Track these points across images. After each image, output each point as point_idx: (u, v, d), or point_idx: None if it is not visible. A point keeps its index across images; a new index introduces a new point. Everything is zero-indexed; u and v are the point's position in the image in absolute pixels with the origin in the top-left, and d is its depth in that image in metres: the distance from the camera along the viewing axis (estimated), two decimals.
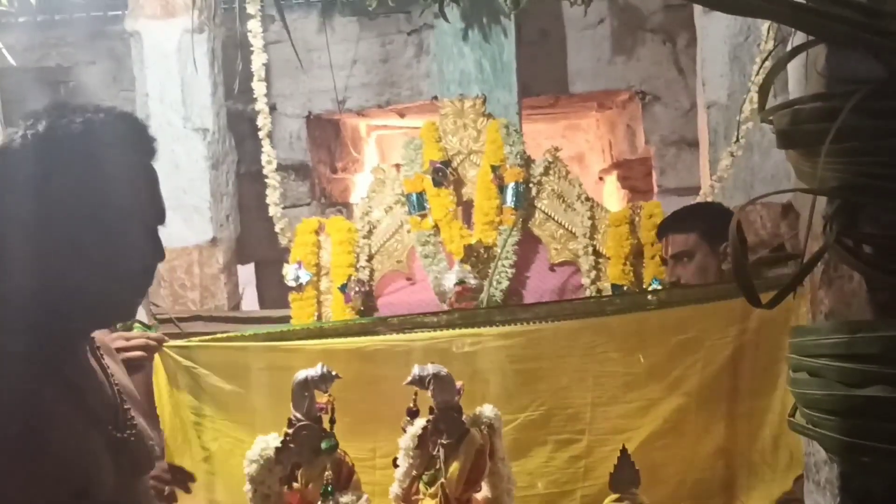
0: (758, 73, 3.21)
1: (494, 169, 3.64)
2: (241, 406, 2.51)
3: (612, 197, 5.80)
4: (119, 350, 2.45)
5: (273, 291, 4.71)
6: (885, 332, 1.56)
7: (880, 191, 1.55)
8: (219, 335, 2.65)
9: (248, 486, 2.24)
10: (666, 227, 3.22)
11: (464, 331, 2.54)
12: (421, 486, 2.24)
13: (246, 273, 4.85)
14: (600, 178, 6.40)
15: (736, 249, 1.69)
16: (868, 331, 1.58)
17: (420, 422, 2.28)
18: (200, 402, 2.53)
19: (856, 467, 1.64)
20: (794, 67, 1.83)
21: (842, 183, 1.59)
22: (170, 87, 3.99)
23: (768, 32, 3.18)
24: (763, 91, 1.79)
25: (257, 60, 3.91)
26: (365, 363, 2.51)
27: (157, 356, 2.49)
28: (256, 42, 3.92)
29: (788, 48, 1.75)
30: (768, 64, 1.87)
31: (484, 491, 2.29)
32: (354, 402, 2.46)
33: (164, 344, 2.50)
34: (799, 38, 1.72)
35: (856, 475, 1.65)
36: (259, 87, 3.89)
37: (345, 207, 5.01)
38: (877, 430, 1.53)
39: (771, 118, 1.73)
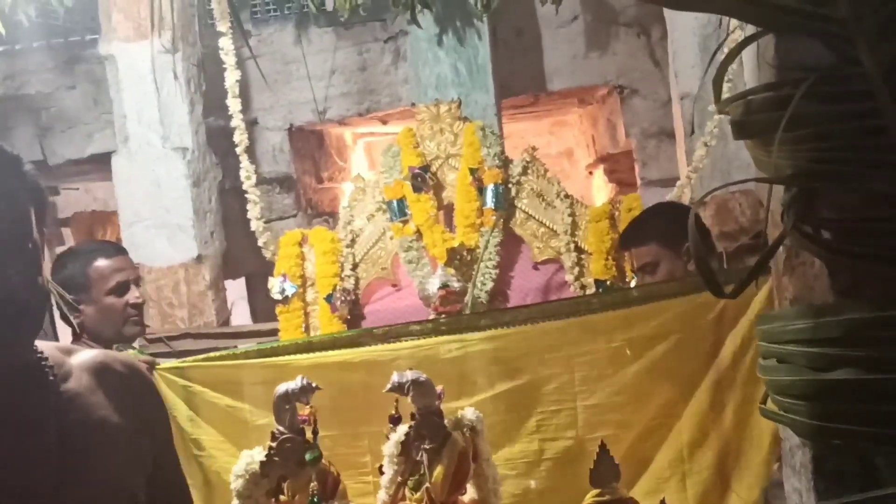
0: (711, 60, 3.22)
1: (473, 171, 3.66)
2: (236, 421, 2.55)
3: (601, 191, 5.82)
4: None
5: (265, 304, 4.71)
6: (848, 315, 1.57)
7: (834, 176, 1.56)
8: (211, 354, 2.72)
9: (235, 502, 2.27)
10: (626, 241, 3.21)
11: (448, 337, 2.57)
12: (407, 492, 2.26)
13: (238, 287, 4.87)
14: (590, 173, 6.43)
15: (696, 242, 1.70)
16: (831, 314, 1.60)
17: (403, 428, 2.30)
18: (197, 420, 2.57)
19: (828, 450, 1.66)
20: (748, 58, 1.84)
21: (797, 170, 1.61)
22: (147, 108, 4.00)
23: (728, 23, 3.20)
24: (717, 82, 1.81)
25: (231, 77, 3.92)
26: (353, 374, 2.56)
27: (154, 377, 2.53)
28: (229, 59, 3.93)
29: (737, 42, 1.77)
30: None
31: (470, 493, 2.32)
32: (346, 412, 2.50)
33: (157, 366, 2.55)
34: (750, 28, 1.74)
35: (828, 458, 1.67)
36: (234, 104, 3.91)
37: (331, 217, 5.03)
38: (846, 412, 1.55)
39: (727, 109, 1.75)
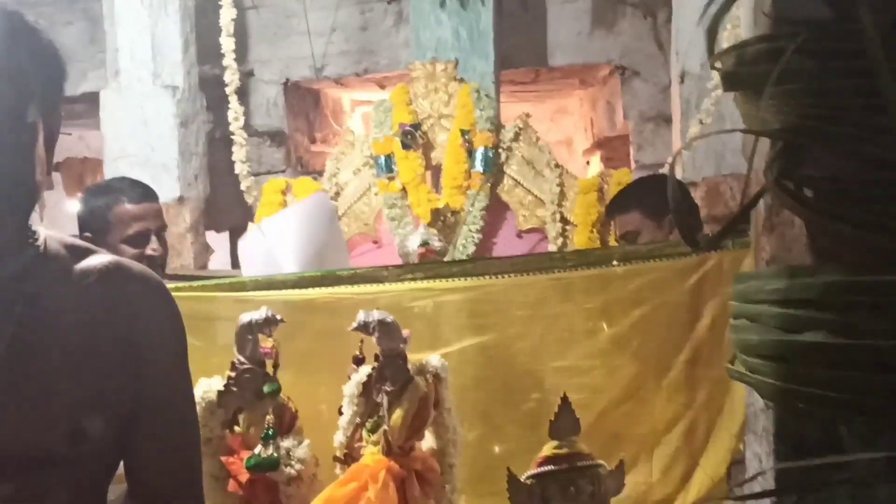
0: (703, 14, 3.17)
1: (464, 133, 3.62)
2: (192, 357, 2.47)
3: None
4: None
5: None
6: (824, 278, 1.54)
7: (822, 133, 1.53)
8: (170, 286, 2.61)
9: None
10: (612, 209, 3.20)
11: (416, 284, 2.49)
12: (364, 434, 2.22)
13: (221, 241, 4.83)
14: (588, 163, 6.40)
15: (674, 190, 1.67)
16: (807, 276, 1.56)
17: (365, 369, 2.25)
18: None
19: (790, 414, 1.63)
20: (744, 11, 1.81)
21: (784, 125, 1.57)
22: (140, 44, 3.95)
23: None
24: (711, 35, 1.76)
25: (226, 16, 3.87)
26: (315, 316, 2.47)
27: None
28: None
29: None
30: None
31: (429, 441, 2.27)
32: (305, 356, 2.44)
33: None
34: None
35: (790, 422, 1.64)
36: (227, 43, 3.86)
37: (321, 175, 4.98)
38: (812, 376, 1.52)
39: (719, 63, 1.72)
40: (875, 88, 1.46)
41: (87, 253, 1.38)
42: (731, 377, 1.73)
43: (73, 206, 6.37)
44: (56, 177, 6.44)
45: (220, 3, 3.91)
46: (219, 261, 4.77)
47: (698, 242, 1.71)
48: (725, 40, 3.15)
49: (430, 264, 2.73)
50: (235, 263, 4.78)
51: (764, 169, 1.66)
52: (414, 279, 2.49)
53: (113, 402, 1.34)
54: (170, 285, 2.53)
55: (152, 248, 2.97)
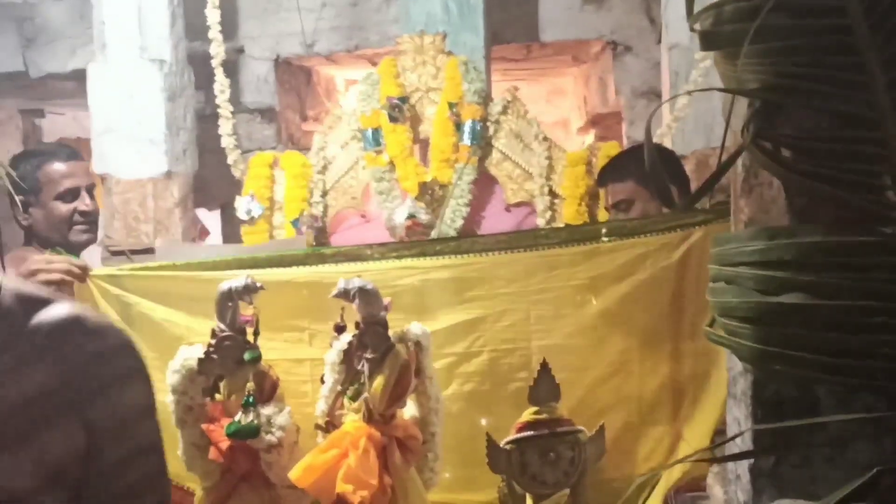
0: None
1: (452, 106, 3.60)
2: (170, 338, 2.43)
3: None
4: (37, 272, 2.44)
5: (238, 235, 4.68)
6: (802, 239, 1.54)
7: (800, 91, 1.52)
8: (150, 264, 2.60)
9: (170, 397, 2.21)
10: (605, 177, 3.16)
11: (399, 262, 2.48)
12: (345, 401, 2.22)
13: (213, 219, 4.81)
14: (584, 143, 6.38)
15: (650, 151, 1.66)
16: (785, 237, 1.56)
17: (346, 337, 2.25)
18: (131, 331, 2.48)
19: (768, 375, 1.63)
20: None
21: (762, 84, 1.56)
22: (126, 16, 3.91)
23: None
24: None
25: None
26: (298, 294, 2.45)
27: (87, 284, 2.45)
28: None
29: None
30: None
31: (411, 409, 2.27)
32: (290, 333, 2.44)
33: (92, 272, 2.47)
34: None
35: (768, 383, 1.64)
36: (213, 15, 3.83)
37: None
38: (790, 337, 1.51)
39: (698, 24, 1.70)
40: (852, 46, 1.45)
41: (43, 304, 1.28)
42: (709, 340, 1.73)
43: None
44: None
45: None
46: (211, 239, 4.75)
47: (675, 202, 1.70)
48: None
49: (415, 243, 2.71)
50: (227, 240, 4.78)
51: (741, 129, 1.66)
52: (399, 257, 2.48)
53: (63, 471, 1.24)
54: (153, 264, 2.57)
55: (85, 202, 3.14)
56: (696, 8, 1.79)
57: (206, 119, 4.48)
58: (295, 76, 5.05)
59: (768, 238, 1.57)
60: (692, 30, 1.75)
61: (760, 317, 1.56)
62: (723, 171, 1.67)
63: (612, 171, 3.11)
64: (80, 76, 4.68)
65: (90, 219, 3.17)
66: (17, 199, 2.80)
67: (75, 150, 3.28)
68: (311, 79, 5.27)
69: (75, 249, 3.10)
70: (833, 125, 1.52)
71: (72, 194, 3.11)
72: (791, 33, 1.50)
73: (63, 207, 3.10)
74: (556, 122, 7.39)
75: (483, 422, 2.50)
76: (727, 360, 1.85)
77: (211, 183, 4.49)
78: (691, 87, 3.38)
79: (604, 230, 2.51)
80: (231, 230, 4.69)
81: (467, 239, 2.72)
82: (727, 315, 1.64)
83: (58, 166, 3.11)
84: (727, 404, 1.87)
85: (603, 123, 5.46)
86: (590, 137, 5.98)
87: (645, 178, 2.95)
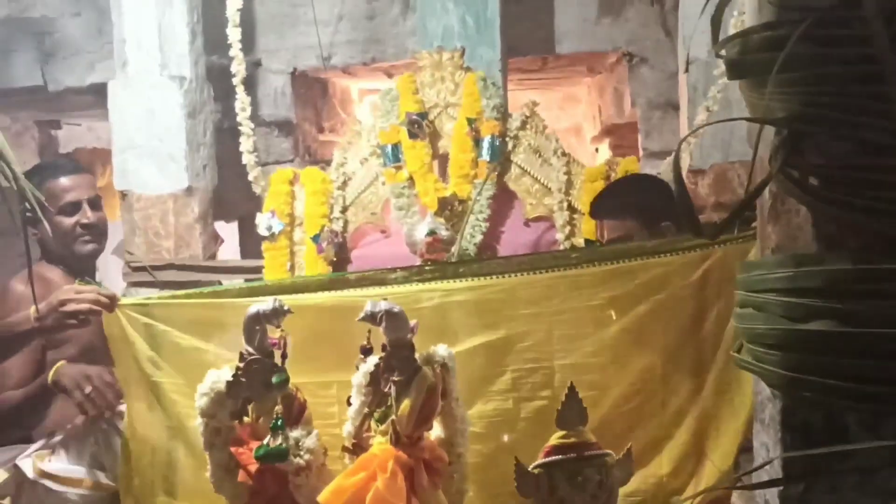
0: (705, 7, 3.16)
1: (470, 122, 3.62)
2: (199, 364, 2.46)
3: None
4: (66, 302, 2.48)
5: (256, 247, 4.70)
6: (829, 266, 1.55)
7: (827, 120, 1.53)
8: (177, 293, 2.67)
9: (198, 420, 2.24)
10: (599, 212, 3.15)
11: (423, 286, 2.51)
12: (372, 424, 2.24)
13: (230, 231, 4.84)
14: (596, 150, 6.39)
15: (679, 181, 1.68)
16: (812, 264, 1.57)
17: (373, 359, 2.27)
18: (159, 361, 2.50)
19: (797, 402, 1.64)
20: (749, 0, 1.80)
21: (789, 113, 1.57)
22: (147, 34, 3.95)
23: None
24: (715, 22, 1.77)
25: (232, 6, 3.87)
26: (325, 319, 2.49)
27: (115, 313, 2.48)
28: None
29: None
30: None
31: (437, 431, 2.29)
32: (315, 359, 2.45)
33: (120, 301, 2.50)
34: None
35: (796, 410, 1.65)
36: (234, 33, 3.86)
37: (328, 165, 4.98)
38: (818, 364, 1.52)
39: (724, 51, 1.72)
40: (879, 75, 1.46)
41: None
42: (737, 366, 1.75)
43: None
44: None
45: None
46: (228, 250, 4.78)
47: (704, 231, 1.71)
48: (733, 27, 3.16)
49: (438, 266, 2.73)
50: (245, 253, 4.81)
51: (769, 157, 1.67)
52: (422, 280, 2.50)
53: None
54: (180, 292, 2.60)
55: (86, 216, 3.23)
56: (711, 27, 1.82)
57: (224, 132, 4.50)
58: (311, 88, 5.07)
59: (796, 265, 1.58)
60: (718, 56, 1.77)
61: (789, 344, 1.57)
62: (751, 201, 1.69)
63: (607, 206, 3.10)
64: (98, 90, 4.72)
65: (94, 230, 3.26)
66: (26, 214, 2.88)
67: (77, 163, 3.44)
68: (328, 90, 5.28)
69: (82, 260, 3.23)
70: (860, 153, 1.53)
71: (73, 207, 3.22)
72: (817, 63, 1.51)
73: (66, 221, 3.21)
74: (568, 129, 7.39)
75: (505, 437, 2.52)
76: (754, 385, 1.87)
77: (228, 195, 4.51)
78: (710, 102, 3.39)
79: (623, 251, 2.52)
80: (249, 243, 4.72)
81: (489, 261, 2.74)
82: (755, 341, 1.65)
83: (60, 181, 3.22)
84: (754, 429, 1.88)
85: (618, 133, 5.47)
86: (604, 146, 5.99)
87: (644, 215, 2.94)
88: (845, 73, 1.51)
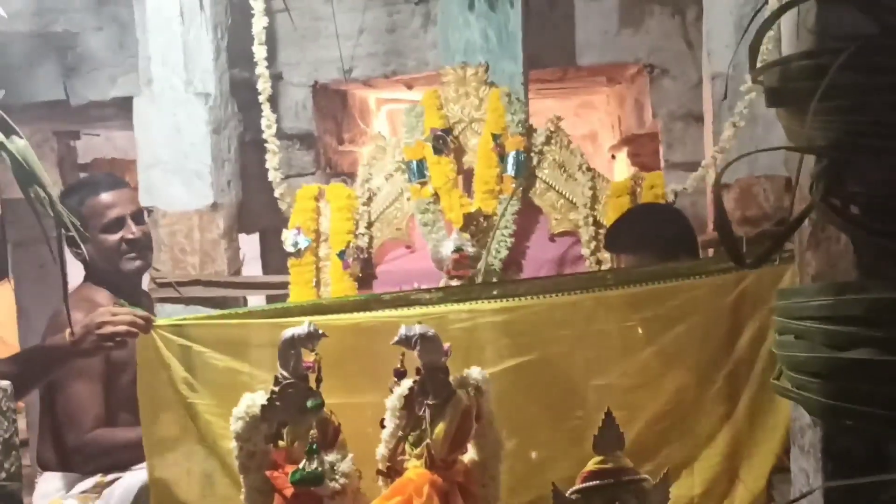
0: (746, 31, 3.17)
1: (495, 137, 3.62)
2: (235, 385, 2.47)
3: (623, 174, 5.77)
4: (103, 325, 2.48)
5: (278, 260, 4.70)
6: (871, 294, 1.54)
7: (868, 149, 1.53)
8: (213, 313, 2.68)
9: (234, 444, 2.25)
10: (615, 246, 3.15)
11: (458, 306, 2.52)
12: (407, 447, 2.24)
13: (251, 245, 4.85)
14: (612, 157, 6.39)
15: (720, 208, 1.68)
16: (853, 292, 1.56)
17: (407, 382, 2.27)
18: (193, 383, 2.50)
19: (838, 430, 1.63)
20: (786, 26, 1.80)
21: (829, 141, 1.57)
22: (172, 51, 3.97)
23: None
24: (753, 50, 1.77)
25: (258, 24, 3.88)
26: (360, 339, 2.50)
27: (150, 334, 2.48)
28: (257, 5, 3.89)
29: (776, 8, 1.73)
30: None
31: (471, 453, 2.29)
32: (350, 378, 2.46)
33: (156, 322, 2.50)
34: None
35: (838, 438, 1.64)
36: (259, 51, 3.87)
37: (350, 178, 4.99)
38: (860, 392, 1.52)
39: (762, 78, 1.71)
40: None
41: None
42: (777, 393, 1.74)
43: None
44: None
45: (252, 11, 3.92)
46: (248, 260, 4.78)
47: (746, 260, 1.71)
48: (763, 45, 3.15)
49: (472, 287, 2.76)
50: (266, 266, 4.82)
51: (809, 186, 1.66)
52: (457, 301, 2.51)
53: None
54: (215, 313, 2.60)
55: (130, 231, 3.14)
56: (749, 54, 1.82)
57: (246, 145, 4.52)
58: (331, 100, 5.07)
59: (837, 293, 1.58)
60: (755, 81, 1.76)
61: (830, 372, 1.56)
62: (793, 230, 1.69)
63: (623, 241, 3.10)
64: (120, 104, 4.74)
65: (139, 245, 3.18)
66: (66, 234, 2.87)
67: (117, 177, 3.35)
68: (347, 102, 5.29)
69: (128, 278, 3.15)
70: None
71: (117, 224, 3.13)
72: (858, 91, 1.51)
73: (110, 239, 3.12)
74: (584, 136, 7.39)
75: (532, 454, 2.53)
76: (792, 411, 1.86)
77: (249, 207, 4.53)
78: (736, 118, 3.39)
79: (657, 273, 2.52)
80: (272, 257, 4.74)
81: (523, 282, 2.75)
82: (795, 369, 1.65)
83: (101, 197, 3.14)
84: (792, 453, 1.88)
85: (636, 142, 5.46)
86: (621, 155, 5.99)
87: (660, 247, 2.92)
88: (886, 101, 1.51)
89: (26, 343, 5.80)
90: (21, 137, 2.14)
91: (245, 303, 4.33)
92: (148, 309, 2.82)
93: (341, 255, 3.63)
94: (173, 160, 3.94)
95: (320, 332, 2.24)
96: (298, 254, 3.66)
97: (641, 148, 5.46)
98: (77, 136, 6.63)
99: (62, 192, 3.23)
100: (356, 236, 3.68)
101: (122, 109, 4.81)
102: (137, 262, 3.18)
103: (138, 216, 3.24)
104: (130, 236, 3.14)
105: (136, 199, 3.30)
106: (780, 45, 1.91)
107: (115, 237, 3.12)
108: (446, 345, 2.26)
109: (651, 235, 3.01)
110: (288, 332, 2.23)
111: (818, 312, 1.60)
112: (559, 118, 3.74)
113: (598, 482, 2.02)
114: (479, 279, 3.48)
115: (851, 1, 1.55)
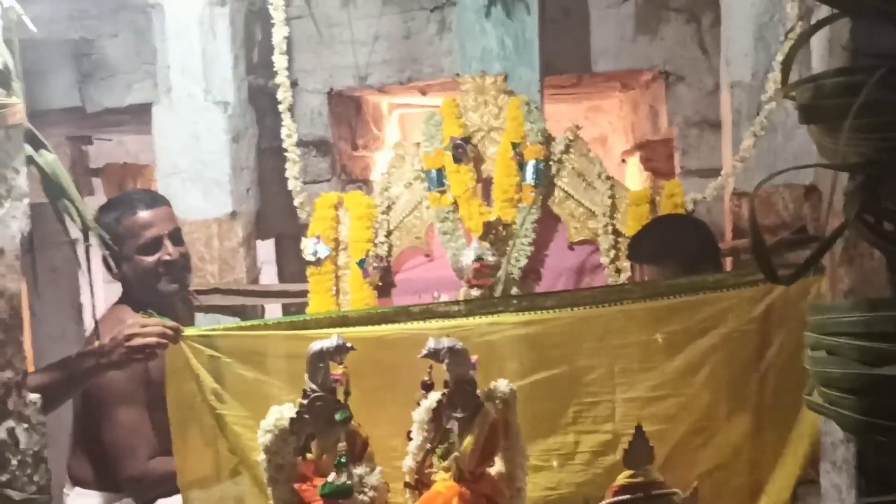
0: (782, 51, 3.17)
1: (514, 146, 3.63)
2: (263, 396, 2.46)
3: (634, 179, 5.77)
4: (132, 336, 2.47)
5: (293, 266, 4.73)
6: None
7: None
8: (242, 324, 2.66)
9: (262, 456, 2.25)
10: (640, 256, 3.13)
11: (486, 319, 2.51)
12: (434, 460, 2.25)
13: (265, 249, 4.87)
14: (622, 161, 6.38)
15: (755, 225, 1.68)
16: (888, 309, 1.57)
17: (435, 395, 2.28)
18: (222, 394, 2.48)
19: (872, 446, 1.63)
20: (817, 42, 1.81)
21: (864, 158, 1.58)
22: (191, 60, 3.99)
23: (796, 10, 3.15)
24: (786, 66, 1.78)
25: (278, 33, 3.89)
26: (387, 352, 2.49)
27: (179, 345, 2.47)
28: (278, 15, 3.90)
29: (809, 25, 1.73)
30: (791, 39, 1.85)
31: (497, 466, 2.30)
32: (376, 391, 2.46)
33: (185, 332, 2.48)
34: (823, 12, 1.70)
35: (872, 454, 1.65)
36: (280, 61, 3.88)
37: (365, 184, 5.01)
38: (894, 409, 1.52)
39: (793, 94, 1.72)
40: None
41: None
42: (809, 409, 1.74)
43: None
44: (97, 182, 6.53)
45: (271, 20, 3.93)
46: (263, 266, 4.79)
47: (779, 276, 1.71)
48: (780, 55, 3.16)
49: (498, 299, 2.75)
50: (282, 272, 4.84)
51: (843, 203, 1.67)
52: (483, 314, 2.51)
53: None
54: (245, 323, 2.60)
55: (167, 252, 3.03)
56: (781, 69, 1.82)
57: (262, 153, 4.54)
58: (346, 107, 5.08)
59: (871, 309, 1.58)
60: (786, 97, 1.77)
61: (863, 388, 1.56)
62: (827, 247, 1.69)
63: (647, 253, 3.09)
64: (134, 110, 4.76)
65: (176, 267, 3.06)
66: (105, 254, 2.85)
67: (157, 195, 3.17)
68: (361, 108, 5.30)
69: (166, 300, 3.02)
70: None
71: (155, 244, 3.02)
72: (893, 108, 1.51)
73: (147, 260, 3.01)
74: (593, 140, 7.38)
75: (554, 464, 2.53)
76: (823, 426, 1.87)
77: (265, 214, 4.55)
78: (756, 128, 3.40)
79: (684, 286, 2.53)
80: (288, 263, 4.75)
81: (551, 295, 2.74)
82: (828, 385, 1.65)
83: (138, 216, 3.01)
84: (822, 468, 1.88)
85: (649, 147, 5.47)
86: (633, 160, 5.99)
87: (686, 259, 2.92)
88: None
89: (39, 348, 5.82)
90: (50, 151, 2.15)
91: (263, 311, 4.34)
92: (187, 324, 2.77)
93: (361, 263, 3.64)
94: (192, 169, 3.96)
95: (349, 345, 2.24)
96: (318, 262, 3.67)
97: (654, 153, 5.46)
98: (90, 140, 6.65)
99: (100, 208, 3.12)
100: (375, 245, 3.68)
101: (136, 115, 4.83)
102: (174, 286, 3.07)
103: (176, 236, 3.12)
104: (167, 258, 3.03)
105: (174, 218, 3.16)
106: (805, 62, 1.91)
107: (151, 259, 3.01)
108: (474, 357, 2.26)
109: (674, 246, 3.01)
110: (317, 346, 2.24)
111: (851, 328, 1.60)
112: (578, 127, 3.75)
113: (628, 496, 2.03)
114: (499, 288, 3.49)
115: (886, 18, 1.55)
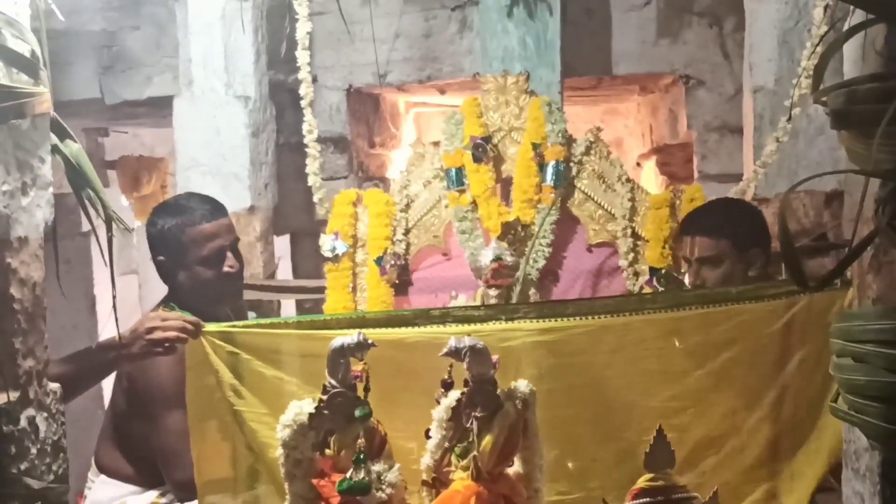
0: (810, 57, 3.16)
1: (535, 147, 3.61)
2: (282, 394, 2.46)
3: (650, 182, 5.76)
4: (153, 330, 2.47)
5: (308, 262, 4.74)
6: None
7: None
8: (261, 321, 2.65)
9: (280, 451, 2.25)
10: (692, 227, 3.14)
11: (506, 325, 2.51)
12: (453, 459, 2.24)
13: (280, 244, 4.87)
14: (638, 164, 6.37)
15: (785, 230, 1.67)
16: None
17: (454, 394, 2.27)
18: (241, 389, 2.48)
19: None
20: (849, 48, 1.80)
21: None
22: (213, 54, 4.00)
23: (824, 15, 3.13)
24: (818, 71, 1.77)
25: (302, 29, 3.88)
26: (406, 354, 2.48)
27: (199, 340, 2.47)
28: (302, 10, 3.89)
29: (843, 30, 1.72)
30: (822, 46, 1.84)
31: (516, 466, 2.29)
32: (393, 392, 2.44)
33: (205, 328, 2.47)
34: (857, 17, 1.69)
35: None
36: (303, 56, 3.87)
37: (381, 182, 5.01)
38: None
39: (824, 98, 1.71)
40: None
41: None
42: (834, 416, 1.74)
43: (127, 202, 6.42)
44: (111, 174, 6.54)
45: (295, 16, 3.92)
46: (281, 266, 4.80)
47: (807, 283, 1.71)
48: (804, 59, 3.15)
49: (518, 305, 2.75)
50: (296, 268, 4.84)
51: (874, 210, 1.66)
52: (506, 319, 2.50)
53: None
54: (265, 321, 2.59)
55: (229, 265, 2.95)
56: (813, 76, 1.81)
57: (280, 148, 4.55)
58: (364, 104, 5.09)
59: None
60: (818, 102, 1.76)
61: (890, 396, 1.56)
62: (857, 254, 1.68)
63: (702, 223, 3.10)
64: (154, 104, 4.77)
65: (234, 278, 2.99)
66: (159, 260, 2.90)
67: (218, 203, 3.04)
68: (380, 105, 5.31)
69: (220, 311, 2.94)
70: None
71: (217, 256, 2.92)
72: None
73: (207, 273, 2.90)
74: (609, 141, 7.35)
75: (569, 465, 2.53)
76: (846, 434, 1.86)
77: (281, 210, 4.55)
78: (779, 133, 3.38)
79: (707, 297, 2.53)
80: (302, 259, 4.76)
81: (571, 302, 2.74)
82: (854, 393, 1.64)
83: (202, 227, 2.90)
84: (844, 475, 1.88)
85: (666, 151, 5.46)
86: (649, 163, 5.97)
87: (737, 238, 2.96)
88: None
89: (52, 338, 5.82)
90: (75, 141, 2.14)
91: (279, 306, 4.34)
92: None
93: (378, 261, 3.63)
94: (211, 162, 3.97)
95: (370, 341, 2.24)
96: (336, 259, 3.66)
97: (671, 157, 5.45)
98: (106, 132, 6.66)
99: (156, 210, 3.03)
100: (393, 242, 3.67)
101: (154, 108, 4.84)
102: (231, 298, 3.04)
103: (236, 247, 3.03)
104: (228, 269, 2.94)
105: (234, 229, 3.06)
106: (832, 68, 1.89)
107: (211, 272, 2.91)
108: (494, 357, 2.25)
109: (731, 224, 3.05)
110: (338, 341, 2.23)
111: (879, 336, 1.60)
112: (599, 129, 3.74)
113: (648, 499, 2.02)
114: (517, 288, 3.48)
115: None
